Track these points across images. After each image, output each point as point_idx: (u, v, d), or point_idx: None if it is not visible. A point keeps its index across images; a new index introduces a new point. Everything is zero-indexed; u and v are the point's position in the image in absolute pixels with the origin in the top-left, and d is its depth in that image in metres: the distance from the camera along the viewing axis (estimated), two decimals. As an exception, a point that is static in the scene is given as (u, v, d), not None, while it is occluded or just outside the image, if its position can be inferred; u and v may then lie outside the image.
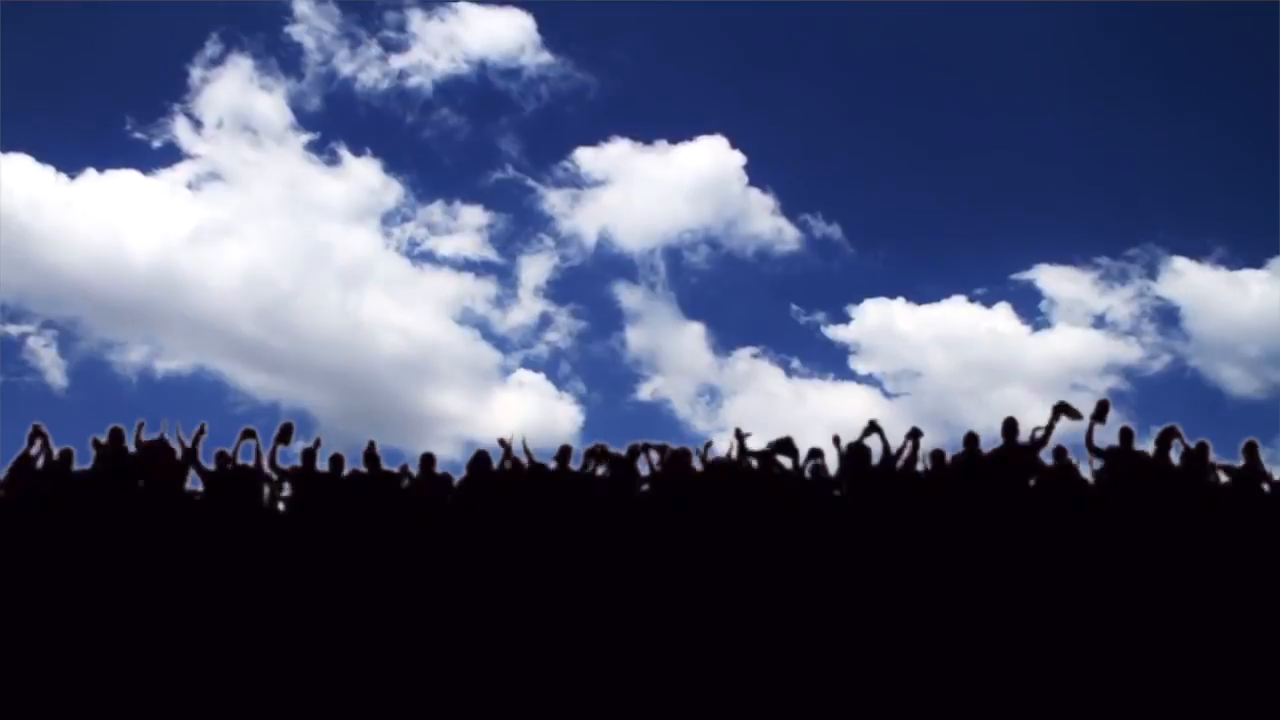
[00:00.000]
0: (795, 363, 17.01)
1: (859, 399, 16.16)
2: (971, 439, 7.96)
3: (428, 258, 17.15)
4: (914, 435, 8.06)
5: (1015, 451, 7.89)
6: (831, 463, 8.16)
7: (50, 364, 14.94)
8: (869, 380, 16.13)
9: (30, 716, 7.27)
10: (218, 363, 16.06)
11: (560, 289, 17.38)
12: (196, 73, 15.93)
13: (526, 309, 17.23)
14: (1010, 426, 7.92)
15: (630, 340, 17.09)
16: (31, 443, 8.28)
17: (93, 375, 15.44)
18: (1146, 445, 8.01)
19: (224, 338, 16.31)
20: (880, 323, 16.33)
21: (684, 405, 16.52)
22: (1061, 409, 7.92)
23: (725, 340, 17.06)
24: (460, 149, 18.05)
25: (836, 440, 8.08)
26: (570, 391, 17.18)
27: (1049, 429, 7.91)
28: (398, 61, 16.72)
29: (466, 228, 17.24)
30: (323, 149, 16.57)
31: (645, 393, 16.86)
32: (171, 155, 15.92)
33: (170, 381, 15.76)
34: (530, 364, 17.25)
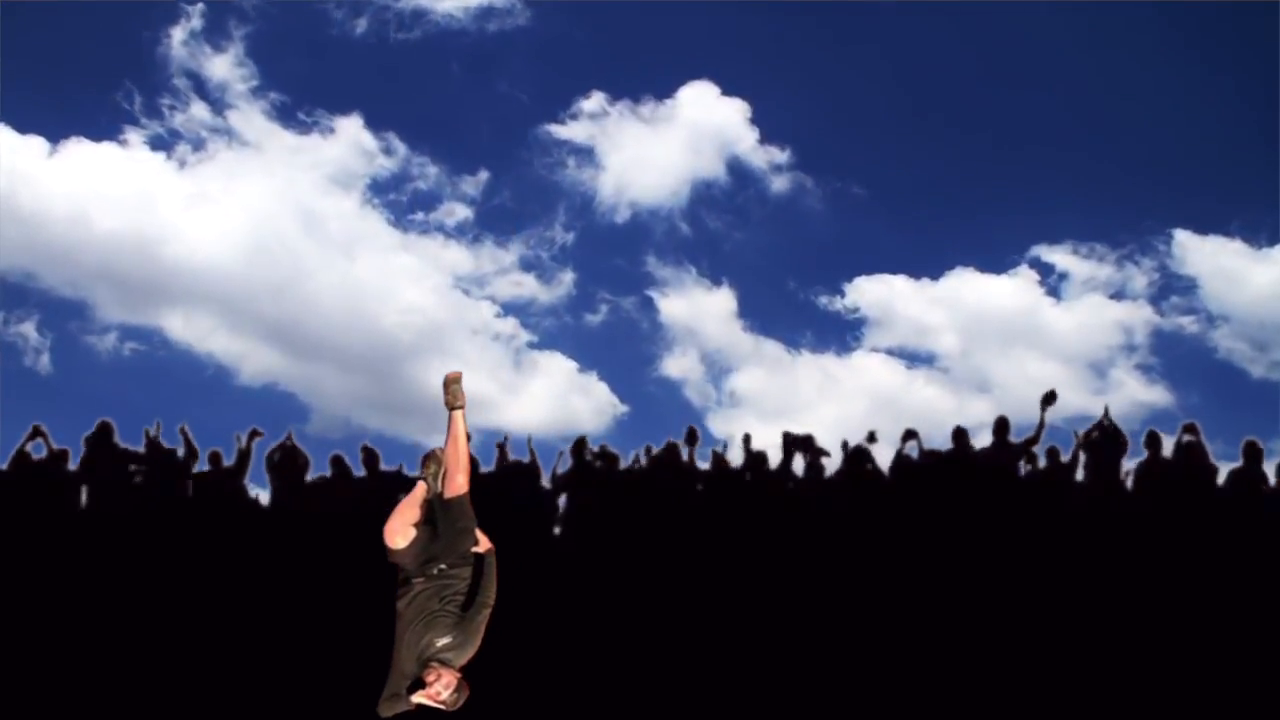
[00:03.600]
0: (808, 336, 16.37)
1: (885, 374, 15.53)
2: (960, 433, 7.93)
3: (427, 227, 16.50)
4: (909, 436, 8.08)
5: (1007, 450, 7.81)
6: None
7: (33, 346, 14.65)
8: (894, 353, 15.58)
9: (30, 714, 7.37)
10: (209, 343, 15.58)
11: (573, 258, 16.57)
12: (159, 36, 15.43)
13: (538, 281, 16.37)
14: (1001, 425, 7.86)
15: (650, 312, 16.39)
16: (29, 441, 8.38)
17: (77, 357, 15.06)
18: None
19: (214, 318, 15.86)
20: (893, 294, 15.84)
21: (703, 384, 15.90)
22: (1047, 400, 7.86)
23: (748, 312, 16.28)
24: (450, 109, 17.23)
25: (845, 445, 8.12)
26: (594, 369, 16.38)
27: (1040, 424, 7.87)
28: (375, 17, 16.06)
29: (465, 195, 16.57)
30: (298, 112, 15.99)
31: (667, 370, 16.20)
32: (142, 126, 15.44)
33: (160, 365, 15.38)
34: (549, 340, 16.48)
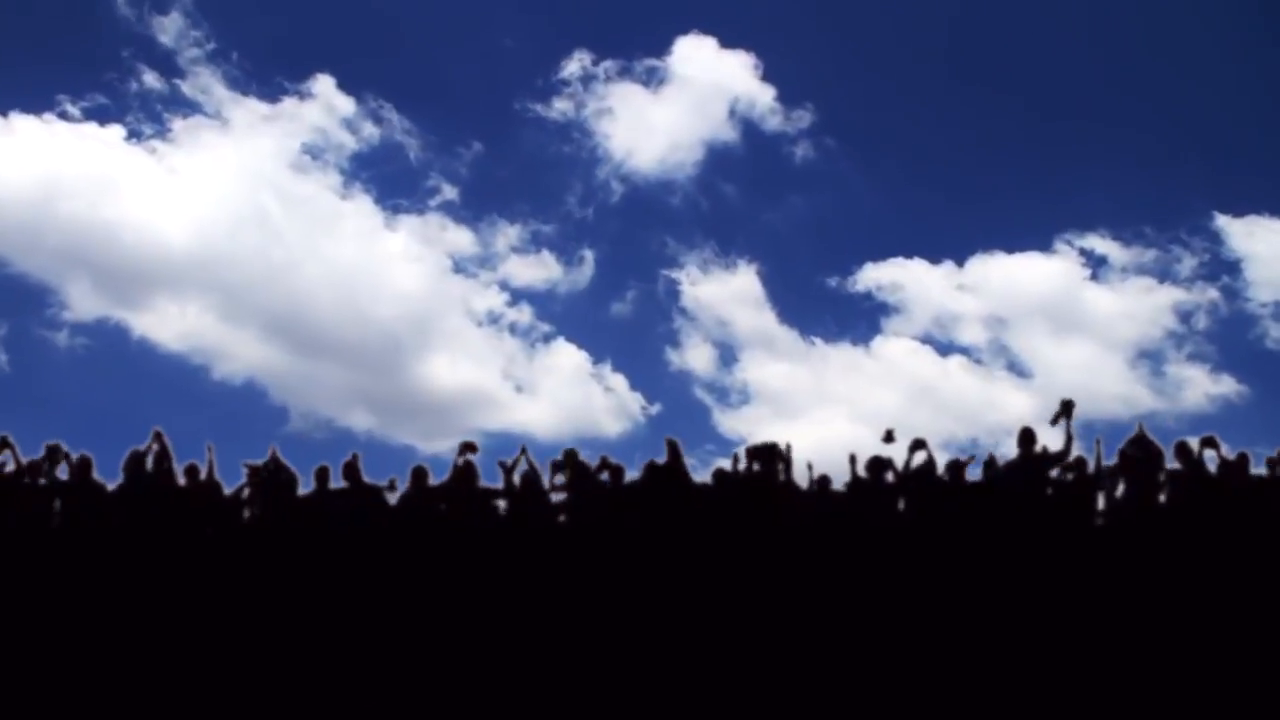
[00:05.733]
0: (830, 322, 15.79)
1: (918, 361, 15.02)
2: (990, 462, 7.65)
3: (417, 207, 15.37)
4: (918, 446, 7.74)
5: (1034, 461, 7.57)
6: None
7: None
8: (924, 340, 15.09)
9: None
10: (186, 338, 14.72)
11: (582, 236, 15.55)
12: (123, 8, 14.35)
13: (546, 263, 15.30)
14: (1027, 436, 7.60)
15: (662, 295, 15.48)
16: (-1, 452, 7.92)
17: (38, 349, 14.22)
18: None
19: (193, 307, 14.95)
20: (932, 277, 15.40)
21: (718, 372, 15.18)
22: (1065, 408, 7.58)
23: (772, 297, 15.41)
24: (434, 76, 16.02)
25: (853, 458, 7.75)
26: (607, 358, 15.51)
27: (1068, 436, 7.61)
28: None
29: (455, 171, 15.43)
30: (261, 79, 14.92)
31: (677, 359, 15.47)
32: (88, 99, 14.40)
33: (144, 358, 14.64)
34: (560, 325, 15.40)
